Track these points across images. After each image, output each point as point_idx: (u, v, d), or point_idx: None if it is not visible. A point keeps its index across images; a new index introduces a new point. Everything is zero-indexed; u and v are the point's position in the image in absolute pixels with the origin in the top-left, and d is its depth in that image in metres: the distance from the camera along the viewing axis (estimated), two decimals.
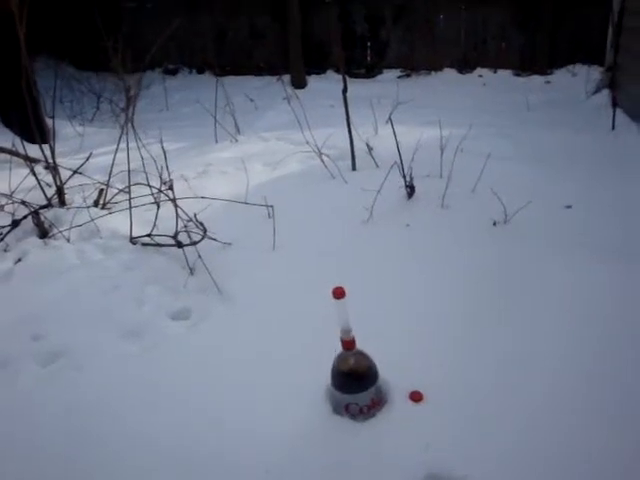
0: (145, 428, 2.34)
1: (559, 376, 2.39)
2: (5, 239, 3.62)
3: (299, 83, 7.99)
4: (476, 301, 2.86)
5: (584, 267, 3.04)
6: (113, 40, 4.25)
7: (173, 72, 9.11)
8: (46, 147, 4.06)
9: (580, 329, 2.63)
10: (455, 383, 2.38)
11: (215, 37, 8.72)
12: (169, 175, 3.43)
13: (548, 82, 7.34)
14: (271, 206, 3.65)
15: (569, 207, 3.66)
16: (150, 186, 3.58)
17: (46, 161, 3.99)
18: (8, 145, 4.53)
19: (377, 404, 2.28)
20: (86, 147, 5.44)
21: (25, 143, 4.41)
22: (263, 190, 3.97)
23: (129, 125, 3.78)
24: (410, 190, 3.89)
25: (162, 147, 3.43)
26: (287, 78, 7.93)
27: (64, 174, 4.13)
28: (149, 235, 3.54)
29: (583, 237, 3.33)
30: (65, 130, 6.11)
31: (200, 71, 9.11)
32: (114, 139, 4.06)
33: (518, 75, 7.62)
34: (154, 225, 3.54)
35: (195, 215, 3.34)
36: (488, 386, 2.36)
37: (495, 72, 7.74)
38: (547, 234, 3.39)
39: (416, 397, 2.31)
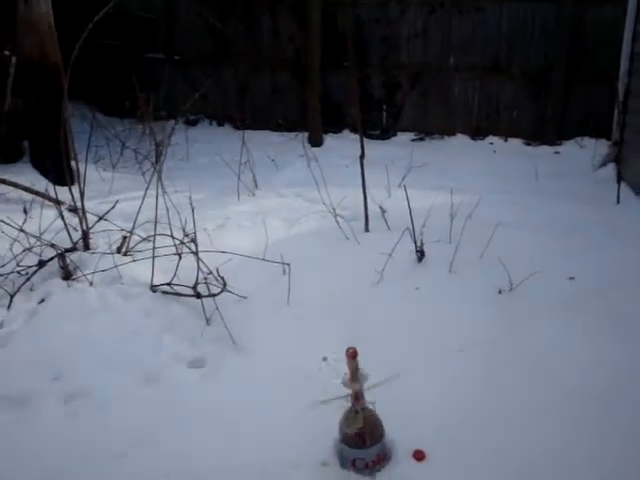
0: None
1: (562, 444, 2.49)
2: (31, 279, 3.78)
3: (316, 141, 8.27)
4: (479, 366, 2.99)
5: (584, 338, 3.18)
6: (140, 89, 4.51)
7: (194, 123, 9.43)
8: (74, 190, 4.27)
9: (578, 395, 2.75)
10: (458, 444, 2.49)
11: (237, 91, 9.07)
12: (194, 227, 3.60)
13: (557, 152, 7.59)
14: (288, 264, 3.81)
15: (572, 279, 3.80)
16: (173, 237, 3.76)
17: (74, 205, 4.19)
18: (41, 188, 4.72)
19: (382, 459, 2.39)
20: (110, 192, 5.67)
21: (53, 187, 4.61)
22: (280, 246, 4.14)
23: (157, 176, 3.97)
24: (420, 254, 4.06)
25: (190, 200, 3.63)
26: (305, 136, 8.21)
27: (89, 218, 4.33)
28: (169, 284, 3.70)
29: (584, 307, 3.47)
30: (90, 174, 6.33)
31: (220, 124, 9.44)
32: (137, 186, 4.26)
33: (528, 144, 7.88)
34: (175, 275, 3.70)
35: (217, 269, 3.50)
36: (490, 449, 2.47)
37: (506, 140, 8.00)
38: (551, 305, 3.52)
39: (419, 456, 2.41)
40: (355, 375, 2.31)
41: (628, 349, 3.08)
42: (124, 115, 8.26)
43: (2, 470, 2.51)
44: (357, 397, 2.33)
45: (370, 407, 2.38)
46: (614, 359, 3.02)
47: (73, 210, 4.46)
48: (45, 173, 5.66)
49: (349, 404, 2.37)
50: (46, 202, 4.71)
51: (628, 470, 2.36)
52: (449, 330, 3.31)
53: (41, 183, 5.22)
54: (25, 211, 4.06)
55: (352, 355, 2.25)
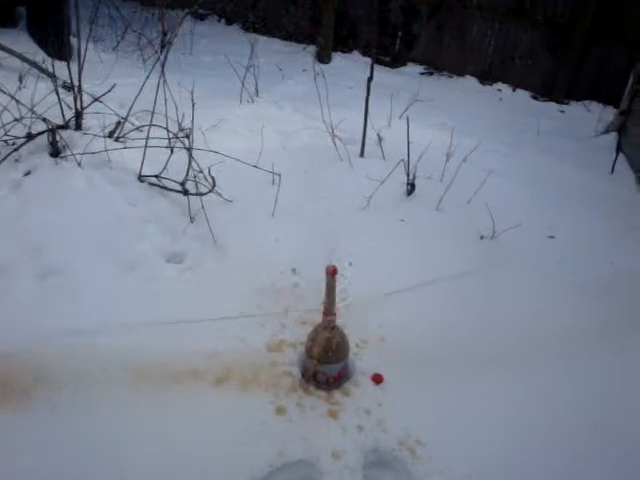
0: None
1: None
2: (19, 150, 3.71)
3: (324, 57, 8.04)
4: (452, 297, 3.08)
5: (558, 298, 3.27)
6: None
7: (202, 18, 9.08)
8: (72, 67, 4.13)
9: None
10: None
11: None
12: (192, 122, 3.54)
13: (562, 111, 7.50)
14: (279, 174, 3.80)
15: (552, 237, 3.86)
16: (168, 130, 3.70)
17: (70, 82, 4.07)
18: (37, 60, 4.56)
19: (343, 377, 2.49)
20: (108, 75, 5.50)
21: (51, 61, 4.46)
22: (272, 157, 4.11)
23: (160, 65, 3.85)
24: (411, 188, 4.06)
25: (192, 96, 3.54)
26: (313, 50, 7.99)
27: (84, 98, 4.22)
28: (157, 176, 3.68)
29: (558, 266, 3.54)
30: (89, 54, 6.11)
31: (229, 22, 9.11)
32: (136, 72, 4.12)
33: (535, 98, 7.76)
34: (164, 168, 3.67)
35: (209, 169, 3.47)
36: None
37: (514, 90, 7.87)
38: (527, 258, 3.59)
39: (377, 379, 2.51)
40: (331, 293, 2.36)
41: (594, 313, 3.18)
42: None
43: None
44: (328, 313, 2.39)
45: (339, 326, 2.45)
46: (572, 313, 3.14)
47: (68, 87, 4.32)
48: (42, 44, 5.44)
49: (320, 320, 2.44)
50: (41, 75, 4.57)
51: None
52: (427, 262, 3.37)
53: (37, 55, 5.03)
54: (20, 79, 3.92)
55: (332, 272, 2.29)
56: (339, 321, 2.79)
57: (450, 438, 2.29)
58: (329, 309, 2.38)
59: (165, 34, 3.91)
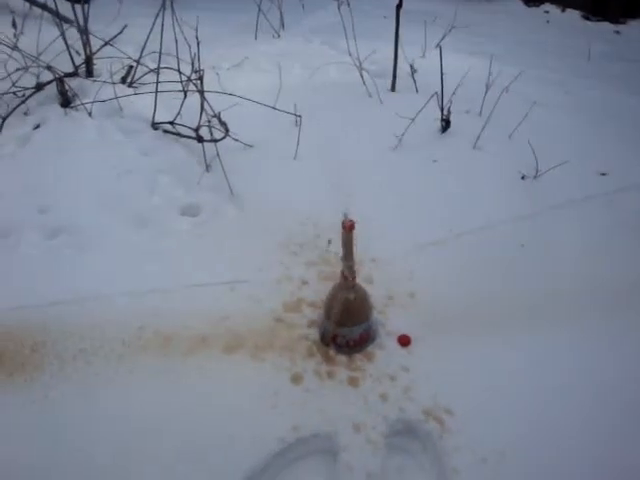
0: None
1: None
2: (27, 102, 3.53)
3: None
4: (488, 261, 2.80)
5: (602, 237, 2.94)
6: None
7: None
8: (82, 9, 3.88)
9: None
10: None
11: None
12: (199, 65, 3.27)
13: (617, 32, 6.85)
14: (299, 116, 3.52)
15: (604, 174, 3.49)
16: (180, 72, 3.44)
17: (77, 24, 3.83)
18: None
19: (365, 340, 2.28)
20: (124, 15, 5.22)
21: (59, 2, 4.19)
22: (296, 96, 3.80)
23: (169, 3, 3.57)
24: (445, 124, 3.73)
25: (196, 36, 3.25)
26: None
27: (96, 43, 3.99)
28: (171, 123, 3.45)
29: (613, 211, 3.19)
30: None
31: None
32: (154, 11, 3.84)
33: (587, 19, 7.11)
34: (178, 113, 3.44)
35: (219, 113, 3.21)
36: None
37: (563, 11, 7.23)
38: (574, 199, 3.24)
39: (404, 340, 2.30)
40: (349, 249, 2.12)
41: None
42: None
43: None
44: (348, 273, 2.16)
45: (359, 284, 2.22)
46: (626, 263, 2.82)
47: (80, 30, 4.08)
48: None
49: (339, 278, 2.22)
50: (49, 18, 4.32)
51: None
52: (462, 209, 3.09)
53: None
54: (14, 25, 3.69)
55: (349, 227, 2.04)
56: (365, 276, 2.58)
57: (482, 408, 2.06)
58: (348, 267, 2.15)
59: None
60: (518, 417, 2.04)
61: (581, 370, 2.24)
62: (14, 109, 3.44)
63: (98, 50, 3.95)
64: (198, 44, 3.26)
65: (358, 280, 2.24)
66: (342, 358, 2.22)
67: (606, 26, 6.95)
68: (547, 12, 7.25)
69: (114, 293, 2.48)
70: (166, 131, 3.46)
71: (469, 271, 2.65)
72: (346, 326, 2.20)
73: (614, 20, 6.98)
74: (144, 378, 2.14)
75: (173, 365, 2.18)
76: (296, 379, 2.13)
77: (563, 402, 2.12)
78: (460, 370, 2.18)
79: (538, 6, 7.35)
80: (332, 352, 2.23)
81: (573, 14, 7.22)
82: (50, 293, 2.48)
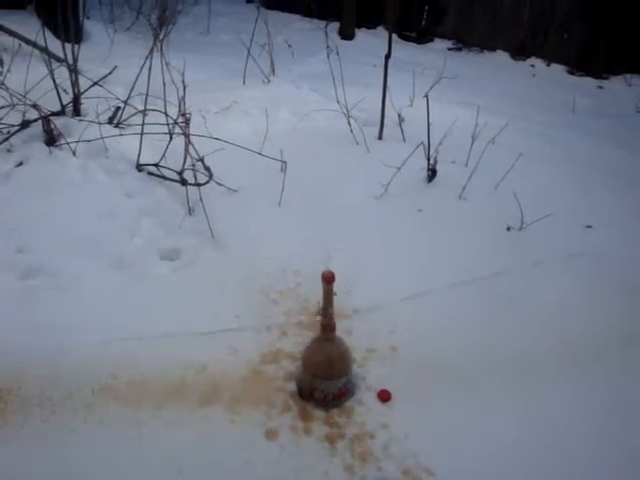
0: None
1: None
2: (10, 139, 3.50)
3: (347, 33, 7.66)
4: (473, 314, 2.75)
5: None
6: None
7: None
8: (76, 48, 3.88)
9: None
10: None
11: None
12: (185, 109, 3.26)
13: (600, 87, 6.99)
14: (285, 162, 3.51)
15: (589, 227, 3.49)
16: (166, 115, 3.43)
17: (67, 63, 3.82)
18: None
19: (344, 394, 2.21)
20: (116, 56, 5.25)
21: (51, 41, 4.19)
22: (283, 141, 3.80)
23: (159, 46, 3.59)
24: (432, 174, 3.73)
25: (182, 77, 3.25)
26: (336, 26, 7.61)
27: (85, 82, 3.98)
28: (156, 165, 3.43)
29: (595, 262, 3.17)
30: (98, 34, 5.89)
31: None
32: (146, 53, 3.85)
33: (571, 73, 7.25)
34: (163, 156, 3.42)
35: (203, 157, 3.19)
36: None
37: (548, 65, 7.38)
38: (560, 252, 3.23)
39: (384, 396, 2.23)
40: (329, 300, 2.07)
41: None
42: None
43: None
44: (326, 325, 2.11)
45: (339, 337, 2.16)
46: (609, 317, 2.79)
47: (70, 69, 4.07)
48: (50, 26, 5.18)
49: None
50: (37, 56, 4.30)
51: None
52: (445, 261, 3.05)
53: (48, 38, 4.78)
54: (1, 62, 3.67)
55: (328, 279, 2.00)
56: (345, 327, 2.52)
57: (464, 468, 1.99)
58: (326, 319, 2.09)
59: (164, 11, 3.63)
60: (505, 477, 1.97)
61: (566, 430, 2.18)
62: None
63: (86, 90, 3.94)
64: (184, 87, 3.26)
65: (338, 332, 2.19)
66: (320, 413, 2.14)
67: (590, 81, 7.10)
68: (533, 66, 7.40)
69: (87, 339, 2.41)
70: (150, 173, 3.43)
71: (453, 325, 2.60)
72: (325, 380, 2.13)
73: (597, 75, 7.13)
74: (114, 430, 2.05)
75: (144, 417, 2.09)
76: (271, 434, 2.05)
77: (548, 464, 2.05)
78: (442, 428, 2.12)
79: (524, 60, 7.50)
80: (310, 407, 2.16)
81: (558, 68, 7.38)
82: (20, 337, 2.39)
